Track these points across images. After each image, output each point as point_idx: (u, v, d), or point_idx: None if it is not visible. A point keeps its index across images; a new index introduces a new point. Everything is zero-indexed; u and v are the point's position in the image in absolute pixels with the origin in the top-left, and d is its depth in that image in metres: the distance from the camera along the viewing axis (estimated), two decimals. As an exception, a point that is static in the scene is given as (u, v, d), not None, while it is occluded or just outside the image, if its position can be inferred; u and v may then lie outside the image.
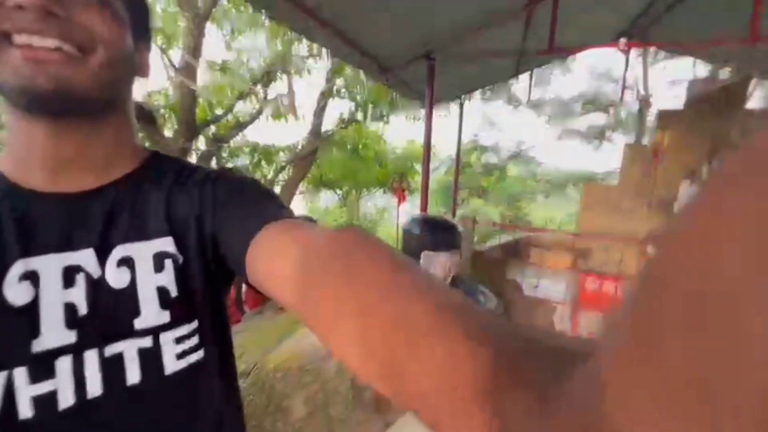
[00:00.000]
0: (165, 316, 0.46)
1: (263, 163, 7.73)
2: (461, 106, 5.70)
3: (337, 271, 0.28)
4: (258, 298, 3.26)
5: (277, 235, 0.41)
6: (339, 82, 7.32)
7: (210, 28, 6.37)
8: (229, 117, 6.94)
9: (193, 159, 6.62)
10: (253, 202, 0.50)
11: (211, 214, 0.50)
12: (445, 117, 10.51)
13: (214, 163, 7.09)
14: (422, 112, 5.30)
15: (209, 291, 0.51)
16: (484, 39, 3.45)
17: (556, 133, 10.25)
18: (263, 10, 2.45)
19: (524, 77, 6.29)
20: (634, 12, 4.45)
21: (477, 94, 7.50)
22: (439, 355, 0.19)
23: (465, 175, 13.49)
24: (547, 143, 10.71)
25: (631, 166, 5.51)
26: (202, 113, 6.49)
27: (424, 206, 4.41)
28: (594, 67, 9.09)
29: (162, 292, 0.46)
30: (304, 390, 2.22)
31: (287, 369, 2.30)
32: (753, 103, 4.94)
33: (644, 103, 6.82)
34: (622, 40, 4.85)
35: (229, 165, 7.53)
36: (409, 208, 8.18)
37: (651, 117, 8.40)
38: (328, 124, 8.15)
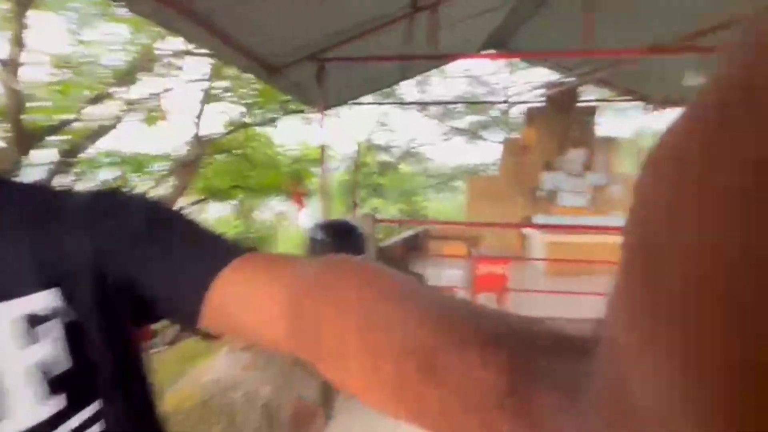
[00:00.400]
0: (51, 406, 0.34)
1: (132, 174, 6.72)
2: (353, 108, 5.76)
3: (334, 305, 0.27)
4: (145, 333, 2.82)
5: (250, 276, 0.36)
6: (222, 83, 6.75)
7: (48, 17, 5.27)
8: (81, 123, 5.84)
9: (35, 175, 5.40)
10: (186, 237, 0.40)
11: (116, 252, 0.38)
12: (338, 119, 10.58)
13: (71, 179, 5.91)
14: (315, 114, 5.21)
15: (116, 351, 0.39)
16: (370, 44, 3.53)
17: (442, 131, 11.17)
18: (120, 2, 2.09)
19: (411, 81, 6.66)
20: (495, 23, 5.04)
21: (369, 97, 7.70)
22: (456, 372, 0.19)
23: (362, 175, 13.78)
24: (435, 141, 11.52)
25: (507, 158, 6.29)
26: (43, 119, 5.34)
27: (324, 209, 4.34)
28: (468, 71, 10.13)
29: (42, 370, 0.34)
30: (211, 428, 1.99)
31: (188, 408, 2.03)
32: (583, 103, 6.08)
33: (510, 104, 7.86)
34: (491, 52, 5.50)
35: (92, 180, 6.35)
36: (310, 212, 8.01)
37: (518, 116, 9.73)
38: (213, 128, 7.47)
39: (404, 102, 9.44)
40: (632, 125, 6.63)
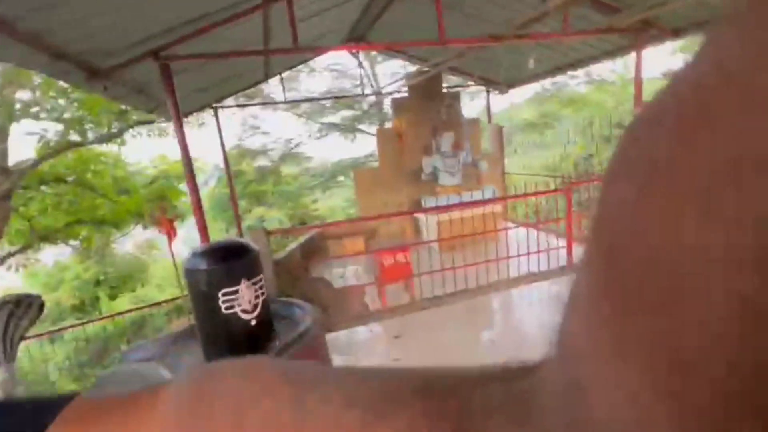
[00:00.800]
0: None
1: None
2: (216, 113, 5.16)
3: None
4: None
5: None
6: (22, 94, 5.31)
7: None
8: None
9: None
10: None
11: None
12: (200, 126, 9.44)
13: None
14: (170, 124, 4.46)
15: None
16: (222, 39, 3.13)
17: (316, 128, 10.95)
18: None
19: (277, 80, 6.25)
20: (353, 17, 5.04)
21: (231, 99, 7.01)
22: None
23: (240, 184, 12.72)
24: (311, 139, 11.23)
25: (384, 148, 6.47)
26: None
27: (202, 230, 3.80)
28: (333, 66, 10.08)
29: None
30: None
31: None
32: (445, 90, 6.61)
33: (379, 95, 8.09)
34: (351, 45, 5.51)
35: None
36: (185, 236, 7.02)
37: (386, 106, 10.09)
38: (26, 153, 5.88)
39: (273, 102, 8.93)
40: (484, 106, 7.48)
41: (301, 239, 5.99)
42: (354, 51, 6.48)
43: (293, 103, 9.55)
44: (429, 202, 5.70)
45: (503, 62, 5.70)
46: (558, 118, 11.33)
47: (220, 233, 13.15)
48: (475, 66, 6.35)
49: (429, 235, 5.72)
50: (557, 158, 10.48)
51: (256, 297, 2.36)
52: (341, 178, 11.79)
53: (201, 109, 5.46)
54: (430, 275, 3.78)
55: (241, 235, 5.39)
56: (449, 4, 4.44)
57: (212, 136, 10.27)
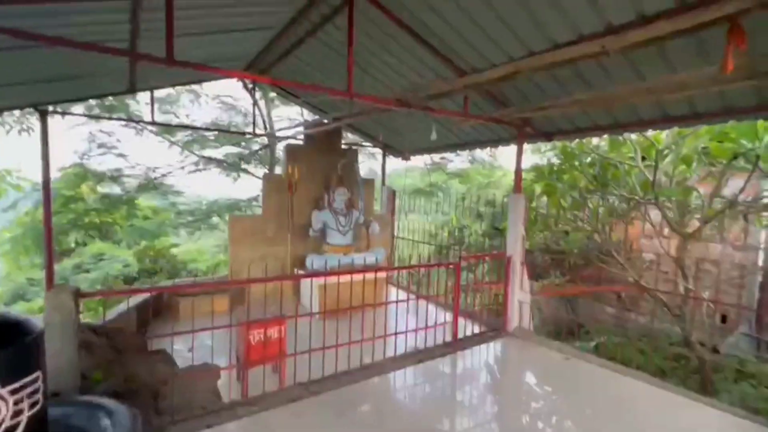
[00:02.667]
0: None
1: None
2: (44, 118, 3.89)
3: None
4: None
5: None
6: None
7: None
8: None
9: None
10: None
11: None
12: (25, 132, 7.27)
13: None
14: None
15: None
16: (62, 18, 2.30)
17: (193, 160, 9.59)
18: None
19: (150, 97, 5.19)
20: (255, 48, 4.57)
21: (80, 106, 5.57)
22: None
23: (75, 213, 10.11)
24: (183, 172, 9.74)
25: (270, 195, 5.81)
26: None
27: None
28: (223, 98, 9.20)
29: None
30: None
31: None
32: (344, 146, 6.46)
33: (272, 138, 7.52)
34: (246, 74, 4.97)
35: None
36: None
37: (279, 151, 9.50)
38: None
39: (134, 120, 7.51)
40: (380, 168, 7.56)
41: (142, 300, 4.71)
42: (250, 86, 5.93)
43: (166, 128, 8.24)
44: (315, 260, 5.15)
45: (404, 130, 5.84)
46: (441, 189, 12.34)
47: (32, 272, 9.99)
48: (376, 129, 6.40)
49: (310, 298, 5.09)
50: (437, 225, 11.19)
51: (18, 412, 1.49)
52: (215, 219, 10.38)
53: (15, 108, 4.08)
54: (308, 353, 3.15)
55: (50, 281, 3.91)
56: (360, 63, 4.36)
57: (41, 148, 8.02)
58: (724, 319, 6.06)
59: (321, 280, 4.88)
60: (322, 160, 5.90)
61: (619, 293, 7.37)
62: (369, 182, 6.76)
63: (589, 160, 5.64)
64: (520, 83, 3.94)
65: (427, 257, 9.65)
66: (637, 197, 5.16)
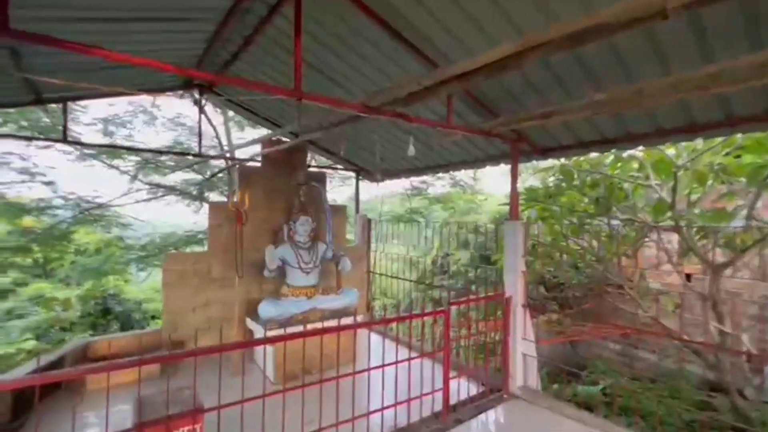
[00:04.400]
0: None
1: None
2: None
3: None
4: None
5: None
6: None
7: None
8: None
9: None
10: None
11: None
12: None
13: None
14: None
15: None
16: None
17: (143, 187, 8.51)
18: None
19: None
20: (193, 52, 3.74)
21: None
22: None
23: (10, 249, 8.74)
24: (132, 200, 8.62)
25: (218, 227, 4.83)
26: None
27: None
28: (175, 118, 8.30)
29: None
30: None
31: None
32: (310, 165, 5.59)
33: (231, 161, 6.63)
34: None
35: None
36: None
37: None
38: None
39: (43, 138, 6.43)
40: (352, 193, 6.69)
41: (51, 355, 3.59)
42: (197, 100, 5.05)
43: (109, 150, 7.21)
44: (269, 308, 4.14)
45: (377, 150, 5.04)
46: (423, 215, 11.53)
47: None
48: (349, 151, 5.60)
49: (263, 359, 4.06)
50: (419, 252, 10.31)
51: None
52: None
53: None
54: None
55: None
56: (314, 62, 3.58)
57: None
58: (748, 357, 5.32)
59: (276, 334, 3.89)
60: (282, 185, 5.00)
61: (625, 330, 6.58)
62: (340, 209, 5.87)
63: (588, 179, 4.94)
64: (514, 84, 3.22)
65: (408, 290, 8.62)
66: (650, 222, 4.44)
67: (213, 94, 5.10)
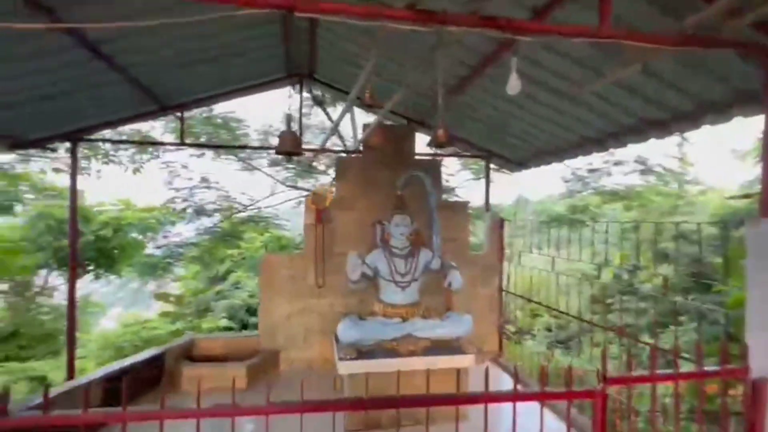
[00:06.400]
0: None
1: None
2: (74, 147, 3.29)
3: None
4: None
5: None
6: None
7: None
8: None
9: None
10: None
11: None
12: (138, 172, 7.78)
13: None
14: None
15: None
16: None
17: (285, 189, 9.10)
18: None
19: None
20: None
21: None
22: None
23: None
24: (286, 206, 9.29)
25: (314, 228, 4.31)
26: None
27: None
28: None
29: None
30: None
31: None
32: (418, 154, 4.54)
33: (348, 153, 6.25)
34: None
35: None
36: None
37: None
38: None
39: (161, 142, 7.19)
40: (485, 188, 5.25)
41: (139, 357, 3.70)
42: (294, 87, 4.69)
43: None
44: (349, 329, 3.30)
45: (510, 125, 3.61)
46: (594, 215, 8.85)
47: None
48: (478, 133, 4.33)
49: (344, 390, 3.26)
50: (589, 267, 7.84)
51: None
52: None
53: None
54: None
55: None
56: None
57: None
58: None
59: (352, 368, 3.04)
60: (386, 179, 4.13)
61: None
62: (458, 206, 4.62)
63: None
64: None
65: (575, 313, 6.67)
66: None
67: (312, 81, 4.66)
